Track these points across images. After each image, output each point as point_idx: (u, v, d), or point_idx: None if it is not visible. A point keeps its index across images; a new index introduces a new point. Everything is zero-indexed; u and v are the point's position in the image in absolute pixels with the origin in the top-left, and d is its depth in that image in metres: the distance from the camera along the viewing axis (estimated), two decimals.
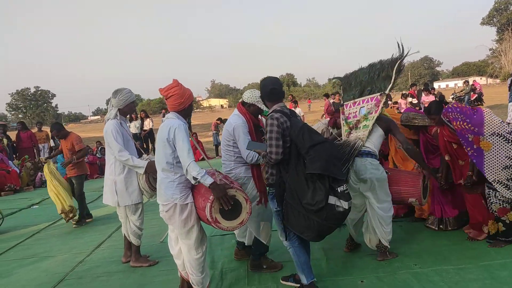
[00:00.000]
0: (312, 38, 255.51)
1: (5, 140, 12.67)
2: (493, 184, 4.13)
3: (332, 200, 3.23)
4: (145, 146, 15.22)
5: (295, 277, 3.84)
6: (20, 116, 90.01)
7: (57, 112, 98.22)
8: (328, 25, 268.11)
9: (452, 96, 23.28)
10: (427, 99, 15.25)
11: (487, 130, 4.13)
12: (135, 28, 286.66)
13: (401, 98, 16.93)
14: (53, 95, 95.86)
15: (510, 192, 4.11)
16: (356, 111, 4.44)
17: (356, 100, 4.51)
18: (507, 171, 4.09)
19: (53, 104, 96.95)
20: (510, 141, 4.10)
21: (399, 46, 4.27)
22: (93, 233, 6.26)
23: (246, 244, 4.53)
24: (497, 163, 4.09)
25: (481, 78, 62.27)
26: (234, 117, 4.11)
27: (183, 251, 3.62)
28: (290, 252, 3.63)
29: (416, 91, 16.50)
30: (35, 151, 12.76)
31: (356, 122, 4.34)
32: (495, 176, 4.11)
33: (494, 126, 4.14)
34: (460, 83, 31.66)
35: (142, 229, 4.74)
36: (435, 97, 16.39)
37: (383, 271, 3.99)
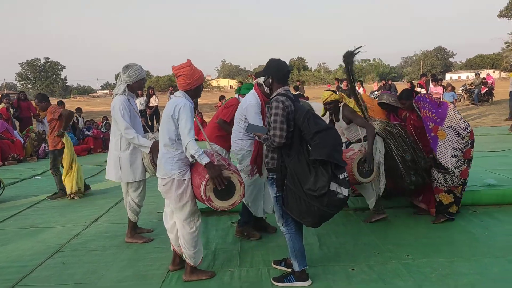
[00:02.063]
0: (326, 21, 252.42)
1: (11, 110, 12.71)
2: (447, 168, 4.76)
3: (333, 186, 3.23)
4: (150, 123, 15.23)
5: (287, 262, 3.86)
6: (29, 86, 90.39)
7: (66, 84, 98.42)
8: (342, 7, 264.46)
9: (462, 88, 23.02)
10: (435, 90, 15.08)
11: (446, 123, 4.81)
12: (150, 3, 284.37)
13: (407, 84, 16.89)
14: (63, 67, 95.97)
15: (454, 177, 4.80)
16: None
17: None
18: (453, 159, 4.75)
19: (62, 76, 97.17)
20: (460, 135, 4.76)
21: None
22: (91, 207, 6.30)
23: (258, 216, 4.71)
24: (447, 152, 4.76)
25: (494, 72, 61.31)
26: (250, 96, 4.34)
27: (177, 225, 3.74)
28: (286, 238, 3.63)
29: (425, 82, 16.30)
30: (34, 120, 12.77)
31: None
32: (444, 162, 4.75)
33: (453, 120, 4.80)
34: (472, 75, 31.32)
35: (140, 206, 4.78)
36: (444, 88, 16.21)
37: (375, 260, 4.00)
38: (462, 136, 4.75)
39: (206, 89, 75.33)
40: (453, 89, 17.19)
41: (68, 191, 6.83)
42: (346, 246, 4.36)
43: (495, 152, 9.07)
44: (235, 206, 3.55)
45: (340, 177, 3.27)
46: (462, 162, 4.77)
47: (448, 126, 4.77)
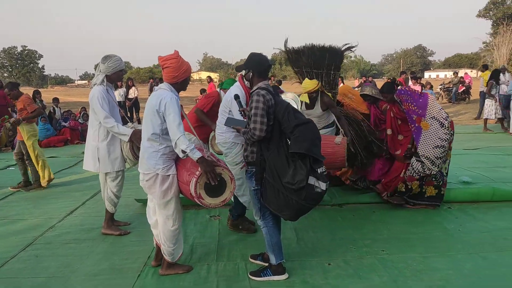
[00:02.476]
0: (310, 16, 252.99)
1: None
2: (421, 158, 5.00)
3: (311, 180, 3.25)
4: (129, 115, 15.02)
5: (264, 256, 3.87)
6: (5, 75, 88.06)
7: (43, 73, 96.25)
8: (326, 4, 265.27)
9: (440, 87, 23.40)
10: (413, 87, 15.27)
11: (428, 113, 5.02)
12: None
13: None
14: (40, 56, 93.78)
15: (434, 167, 5.01)
16: None
17: None
18: (437, 150, 4.95)
19: (40, 65, 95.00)
20: (444, 125, 4.95)
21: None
22: (67, 199, 6.18)
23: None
24: (430, 142, 4.96)
25: (471, 71, 62.40)
26: (235, 88, 4.28)
27: (159, 221, 3.66)
28: (263, 232, 3.64)
29: (404, 79, 16.51)
30: (9, 110, 12.41)
31: None
32: (425, 152, 4.99)
33: (434, 111, 5.01)
34: (450, 74, 32.08)
35: (119, 197, 4.76)
36: (422, 86, 16.44)
37: (351, 255, 4.04)
38: (446, 126, 4.94)
39: None
40: (432, 87, 17.47)
41: (46, 179, 6.72)
42: (323, 241, 4.39)
43: (470, 150, 9.24)
44: (226, 203, 3.49)
45: (318, 171, 3.29)
46: (446, 153, 5.01)
47: (431, 117, 4.98)
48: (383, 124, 5.53)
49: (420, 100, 5.07)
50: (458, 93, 21.54)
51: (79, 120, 13.08)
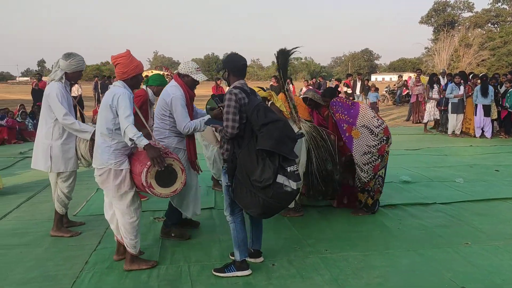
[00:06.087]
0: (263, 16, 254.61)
1: None
2: (356, 166, 4.97)
3: (280, 179, 3.31)
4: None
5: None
6: None
7: None
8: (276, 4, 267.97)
9: (386, 89, 24.30)
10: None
11: (359, 122, 5.00)
12: None
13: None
14: None
15: (364, 174, 4.96)
16: None
17: None
18: (365, 156, 4.95)
19: None
20: (374, 133, 4.94)
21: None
22: (0, 202, 5.81)
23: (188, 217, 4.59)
24: (360, 149, 4.95)
25: (415, 75, 65.12)
26: (172, 88, 4.17)
27: (117, 215, 3.74)
28: (231, 228, 3.69)
29: (351, 82, 16.92)
30: None
31: None
32: (357, 160, 4.96)
33: (366, 119, 4.99)
34: (395, 77, 33.45)
35: (70, 198, 4.60)
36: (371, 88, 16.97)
37: (295, 255, 4.06)
38: (376, 133, 4.93)
39: None
40: (377, 90, 18.02)
41: None
42: (269, 241, 4.35)
43: (410, 150, 9.63)
44: (177, 194, 3.69)
45: (288, 170, 3.35)
46: (376, 158, 4.95)
47: (362, 125, 4.97)
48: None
49: (352, 110, 5.06)
50: (402, 96, 22.43)
51: (17, 119, 12.39)
